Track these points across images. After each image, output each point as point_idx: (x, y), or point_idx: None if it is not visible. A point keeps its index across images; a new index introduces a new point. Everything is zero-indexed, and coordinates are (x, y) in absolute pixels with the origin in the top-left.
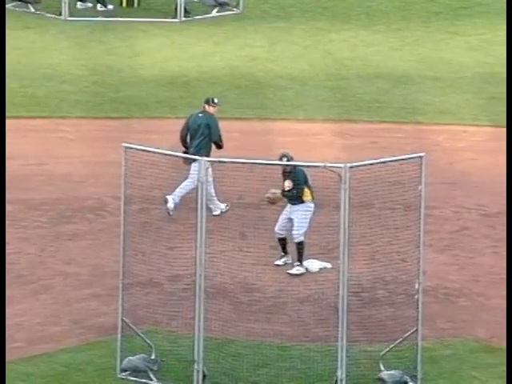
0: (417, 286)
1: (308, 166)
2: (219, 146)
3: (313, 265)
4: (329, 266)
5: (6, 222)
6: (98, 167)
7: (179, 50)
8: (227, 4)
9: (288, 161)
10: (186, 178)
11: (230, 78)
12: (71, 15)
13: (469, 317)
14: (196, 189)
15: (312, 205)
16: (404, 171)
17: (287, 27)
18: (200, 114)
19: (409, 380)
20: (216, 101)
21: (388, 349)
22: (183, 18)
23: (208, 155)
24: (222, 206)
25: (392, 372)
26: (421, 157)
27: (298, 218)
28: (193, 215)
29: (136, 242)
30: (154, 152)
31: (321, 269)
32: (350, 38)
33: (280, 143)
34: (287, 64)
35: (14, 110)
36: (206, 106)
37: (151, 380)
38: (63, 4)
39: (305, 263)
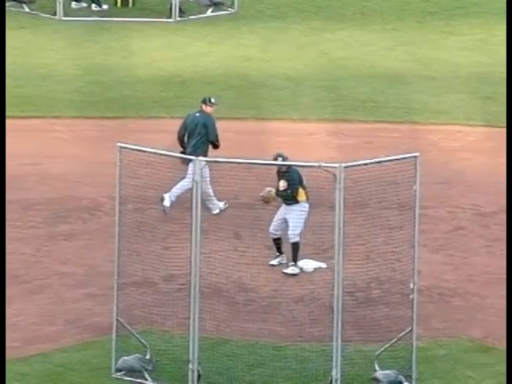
0: (411, 286)
1: (303, 166)
2: (215, 146)
3: (308, 265)
4: (324, 265)
5: None
6: (93, 167)
7: (174, 50)
8: (222, 4)
9: (283, 161)
10: (183, 177)
11: (225, 77)
12: (66, 15)
13: (463, 316)
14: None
15: (307, 205)
16: (399, 171)
17: (282, 27)
18: (197, 114)
19: (404, 380)
20: (213, 100)
21: (383, 349)
22: (178, 18)
23: (205, 155)
24: (221, 204)
25: (387, 372)
26: (415, 157)
27: (293, 219)
28: (188, 215)
29: (131, 242)
30: (149, 152)
31: (316, 269)
32: (345, 38)
33: (275, 143)
34: (282, 64)
35: (8, 110)
36: (203, 106)
37: (146, 380)
38: (58, 4)
39: (299, 263)
